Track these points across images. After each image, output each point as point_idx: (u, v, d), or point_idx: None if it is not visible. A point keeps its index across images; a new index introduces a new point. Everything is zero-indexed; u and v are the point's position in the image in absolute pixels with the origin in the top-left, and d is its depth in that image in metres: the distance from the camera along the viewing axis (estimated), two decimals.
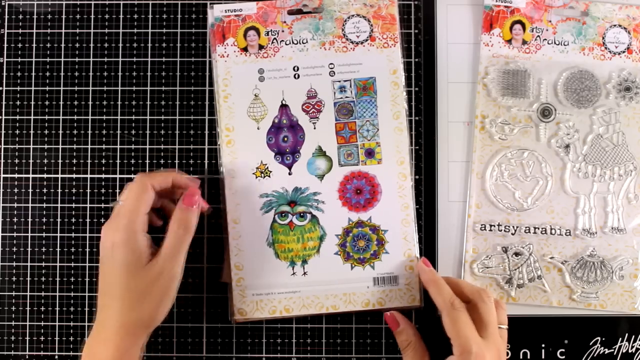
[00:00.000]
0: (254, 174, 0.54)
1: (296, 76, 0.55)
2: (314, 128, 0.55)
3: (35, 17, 0.57)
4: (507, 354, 0.55)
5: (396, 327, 0.52)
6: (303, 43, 0.55)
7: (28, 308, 0.56)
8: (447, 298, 0.49)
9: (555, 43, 0.56)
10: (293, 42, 0.55)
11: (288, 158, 0.54)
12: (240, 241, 0.54)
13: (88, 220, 0.56)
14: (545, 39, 0.56)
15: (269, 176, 0.54)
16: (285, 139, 0.54)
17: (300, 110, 0.55)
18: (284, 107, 0.54)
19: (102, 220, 0.56)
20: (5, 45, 0.57)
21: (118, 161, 0.56)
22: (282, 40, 0.55)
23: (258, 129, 0.54)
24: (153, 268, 0.47)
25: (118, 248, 0.47)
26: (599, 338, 0.55)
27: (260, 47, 0.55)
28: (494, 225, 0.55)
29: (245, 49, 0.55)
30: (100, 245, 0.48)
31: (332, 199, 0.54)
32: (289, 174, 0.54)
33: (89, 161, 0.56)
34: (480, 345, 0.46)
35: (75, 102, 0.57)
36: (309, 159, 0.54)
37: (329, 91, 0.55)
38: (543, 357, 0.55)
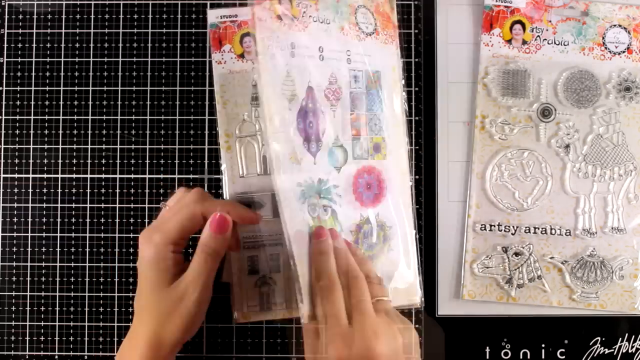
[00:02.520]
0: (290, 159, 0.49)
1: (321, 57, 0.51)
2: (334, 117, 0.52)
3: (35, 17, 0.57)
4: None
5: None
6: None
7: (28, 308, 0.56)
8: (322, 275, 0.46)
9: (555, 43, 0.56)
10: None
11: (313, 146, 0.50)
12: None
13: (88, 220, 0.56)
14: (545, 39, 0.56)
15: (299, 164, 0.49)
16: (310, 124, 0.50)
17: (323, 95, 0.51)
18: (310, 89, 0.50)
19: (102, 220, 0.56)
20: (5, 45, 0.57)
21: (118, 161, 0.56)
22: None
23: (290, 110, 0.49)
24: (175, 289, 0.47)
25: (147, 264, 0.47)
26: (599, 338, 0.55)
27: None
28: (494, 225, 0.55)
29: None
30: (138, 254, 0.48)
31: (347, 193, 0.52)
32: (314, 163, 0.51)
33: (89, 161, 0.56)
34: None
35: (75, 102, 0.57)
36: (329, 149, 0.51)
37: (346, 79, 0.52)
38: (543, 357, 0.55)
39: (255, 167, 0.55)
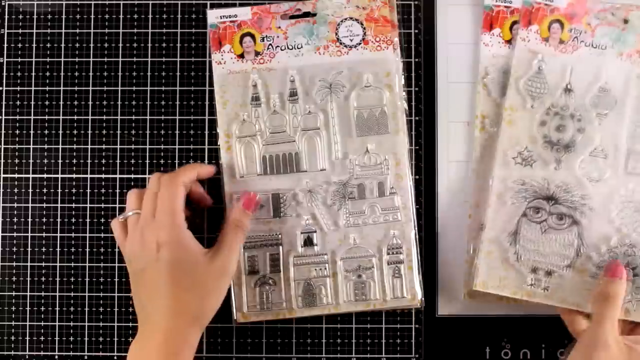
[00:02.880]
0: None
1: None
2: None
3: (35, 17, 0.57)
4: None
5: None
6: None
7: (28, 308, 0.56)
8: None
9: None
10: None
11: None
12: None
13: (88, 220, 0.56)
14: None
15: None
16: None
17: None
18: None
19: (102, 220, 0.56)
20: (5, 45, 0.57)
21: (118, 161, 0.56)
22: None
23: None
24: (213, 263, 0.49)
25: (166, 246, 0.47)
26: None
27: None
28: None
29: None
30: (134, 253, 0.49)
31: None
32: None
33: (89, 161, 0.56)
34: None
35: (75, 102, 0.57)
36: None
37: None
38: (543, 357, 0.55)
39: (254, 167, 0.55)
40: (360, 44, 0.55)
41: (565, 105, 0.53)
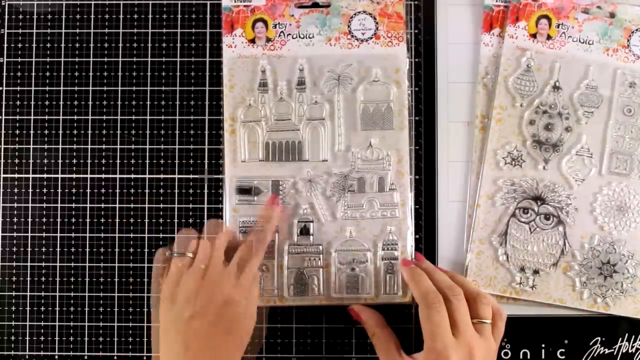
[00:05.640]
0: None
1: None
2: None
3: (35, 17, 0.57)
4: (504, 349, 0.55)
5: (360, 319, 0.53)
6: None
7: (28, 308, 0.56)
8: (422, 293, 0.48)
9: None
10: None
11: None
12: None
13: (88, 220, 0.56)
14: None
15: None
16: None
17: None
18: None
19: (102, 220, 0.56)
20: (5, 45, 0.57)
21: (118, 161, 0.56)
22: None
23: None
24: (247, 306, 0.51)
25: (233, 305, 0.49)
26: (599, 338, 0.55)
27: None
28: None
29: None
30: (187, 297, 0.49)
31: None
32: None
33: (89, 161, 0.56)
34: (446, 346, 0.45)
35: (75, 102, 0.57)
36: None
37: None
38: (543, 357, 0.55)
39: (257, 153, 0.55)
40: (371, 38, 0.55)
41: (554, 103, 0.54)
